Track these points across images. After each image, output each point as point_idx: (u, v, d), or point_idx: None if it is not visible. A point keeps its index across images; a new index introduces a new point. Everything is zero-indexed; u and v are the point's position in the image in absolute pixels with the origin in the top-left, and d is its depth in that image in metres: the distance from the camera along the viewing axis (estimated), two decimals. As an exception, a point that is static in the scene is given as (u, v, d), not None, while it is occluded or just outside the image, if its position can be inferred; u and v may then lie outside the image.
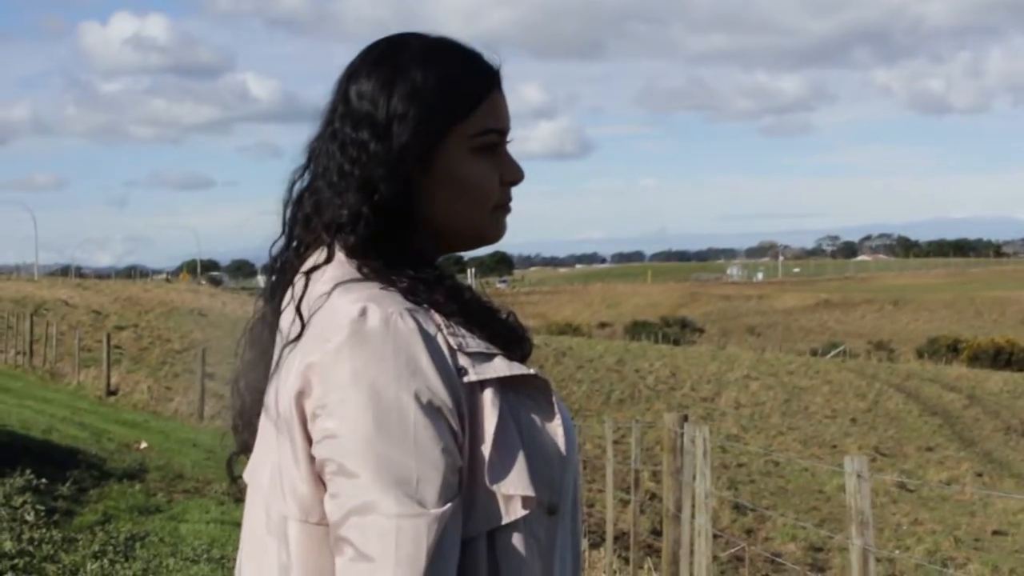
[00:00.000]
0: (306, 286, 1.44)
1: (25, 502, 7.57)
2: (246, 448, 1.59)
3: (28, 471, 8.33)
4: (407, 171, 1.47)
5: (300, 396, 1.37)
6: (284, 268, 1.55)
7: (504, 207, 1.57)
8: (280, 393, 1.41)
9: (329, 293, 1.41)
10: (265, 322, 1.57)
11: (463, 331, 1.44)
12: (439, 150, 1.49)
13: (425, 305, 1.43)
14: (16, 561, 6.43)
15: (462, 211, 1.52)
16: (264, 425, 1.47)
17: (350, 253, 1.47)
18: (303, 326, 1.40)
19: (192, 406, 21.54)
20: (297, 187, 1.56)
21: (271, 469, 1.44)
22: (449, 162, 1.49)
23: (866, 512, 6.06)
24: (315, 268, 1.46)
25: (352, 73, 1.53)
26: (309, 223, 1.53)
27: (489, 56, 1.57)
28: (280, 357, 1.43)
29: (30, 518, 7.29)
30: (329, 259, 1.46)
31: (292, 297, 1.45)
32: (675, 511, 8.42)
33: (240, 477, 1.57)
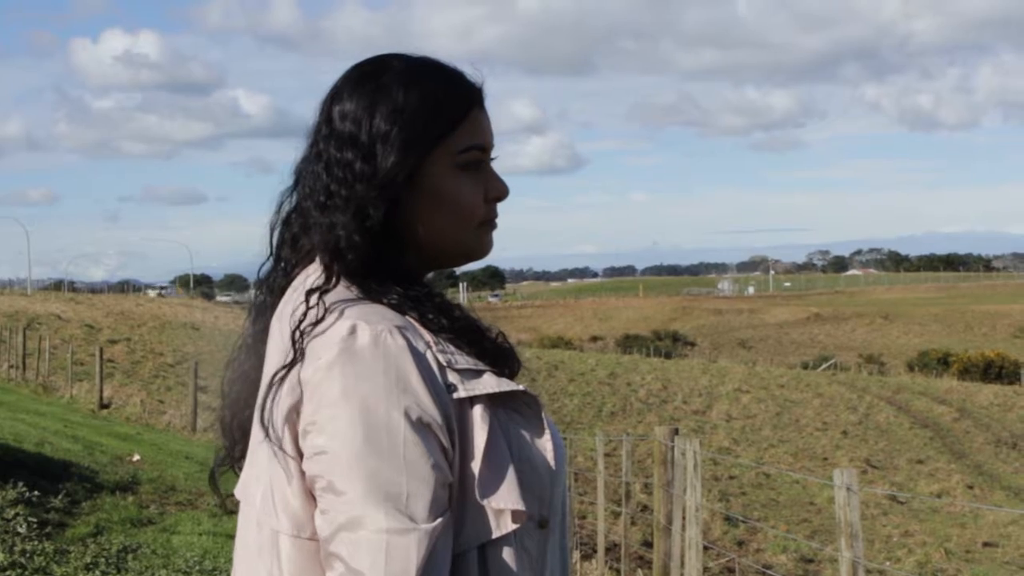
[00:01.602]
0: (306, 311, 1.43)
1: (17, 514, 7.56)
2: (234, 463, 1.61)
3: (21, 484, 8.33)
4: (394, 191, 1.48)
5: (291, 412, 1.39)
6: (271, 288, 1.58)
7: (490, 223, 1.58)
8: (272, 410, 1.42)
9: (321, 312, 1.42)
10: (253, 340, 1.58)
11: (452, 348, 1.45)
12: (423, 168, 1.50)
13: (414, 322, 1.44)
14: (8, 573, 6.42)
15: (447, 228, 1.52)
16: (255, 442, 1.48)
17: (340, 272, 1.48)
18: (297, 349, 1.41)
19: (185, 419, 21.53)
20: (285, 208, 1.58)
21: (264, 485, 1.45)
22: (433, 180, 1.50)
23: (855, 525, 6.08)
24: (312, 291, 1.45)
25: (335, 94, 1.55)
26: (296, 244, 1.55)
27: (471, 74, 1.58)
28: (272, 376, 1.44)
29: (22, 530, 7.29)
30: (327, 281, 1.47)
31: (291, 319, 1.45)
32: (666, 523, 8.44)
33: (231, 495, 1.58)
